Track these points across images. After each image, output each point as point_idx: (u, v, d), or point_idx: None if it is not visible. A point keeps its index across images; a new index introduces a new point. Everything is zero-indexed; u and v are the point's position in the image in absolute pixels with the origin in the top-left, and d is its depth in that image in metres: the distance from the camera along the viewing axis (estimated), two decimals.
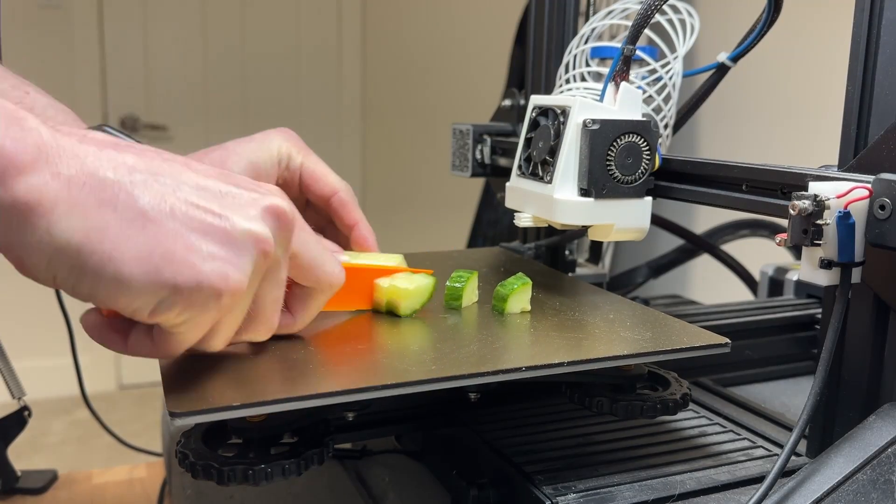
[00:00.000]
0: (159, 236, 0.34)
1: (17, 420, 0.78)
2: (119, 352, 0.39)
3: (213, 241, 0.36)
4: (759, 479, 0.48)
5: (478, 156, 0.77)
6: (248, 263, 0.37)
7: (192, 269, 0.35)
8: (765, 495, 0.40)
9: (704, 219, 1.43)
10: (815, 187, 0.42)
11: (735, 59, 0.58)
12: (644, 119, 0.54)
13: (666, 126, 0.62)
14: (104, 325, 0.39)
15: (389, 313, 0.53)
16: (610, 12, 0.63)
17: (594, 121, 0.53)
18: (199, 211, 0.36)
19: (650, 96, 0.60)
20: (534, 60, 0.76)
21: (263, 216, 0.38)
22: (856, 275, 0.43)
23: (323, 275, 0.44)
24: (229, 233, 0.36)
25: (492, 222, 2.16)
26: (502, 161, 0.75)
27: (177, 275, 0.34)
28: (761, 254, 0.98)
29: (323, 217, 0.61)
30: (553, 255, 0.78)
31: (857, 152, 0.46)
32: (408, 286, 0.52)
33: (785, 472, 0.42)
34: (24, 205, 0.31)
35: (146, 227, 0.34)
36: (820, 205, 0.41)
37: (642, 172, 0.54)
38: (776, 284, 0.89)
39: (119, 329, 0.39)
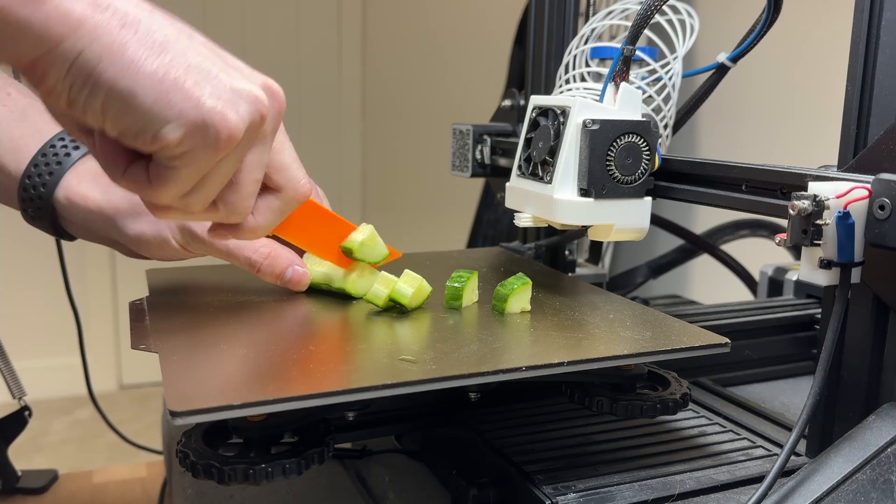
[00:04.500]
0: (173, 65, 0.37)
1: (18, 420, 0.78)
2: (115, 179, 0.41)
3: (219, 86, 0.38)
4: (758, 479, 0.48)
5: (478, 156, 0.77)
6: (247, 115, 0.39)
7: (198, 102, 0.37)
8: (764, 495, 0.40)
9: (704, 219, 1.43)
10: (814, 187, 0.42)
11: (735, 59, 0.59)
12: (644, 119, 0.54)
13: (666, 126, 0.62)
14: (114, 147, 0.40)
15: (389, 308, 0.53)
16: (610, 13, 0.63)
17: (594, 121, 0.53)
18: (207, 61, 0.38)
19: (650, 96, 0.60)
20: (534, 60, 0.76)
21: (261, 86, 0.41)
22: (855, 275, 0.44)
23: (292, 179, 0.47)
24: (232, 86, 0.39)
25: (492, 222, 2.16)
26: (502, 161, 0.75)
27: (183, 102, 0.37)
28: (761, 254, 0.98)
29: None
30: (553, 255, 0.78)
31: (857, 152, 0.46)
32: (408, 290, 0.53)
33: (784, 472, 0.42)
34: (54, 22, 0.34)
35: (162, 55, 0.36)
36: (819, 205, 0.41)
37: (642, 172, 0.54)
38: (776, 284, 0.89)
39: (122, 156, 0.40)
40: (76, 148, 0.56)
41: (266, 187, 0.46)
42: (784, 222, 0.43)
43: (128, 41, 0.35)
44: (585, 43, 0.64)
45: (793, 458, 0.48)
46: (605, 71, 0.61)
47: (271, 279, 0.56)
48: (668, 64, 0.60)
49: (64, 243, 0.71)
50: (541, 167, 0.57)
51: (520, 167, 0.60)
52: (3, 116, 0.56)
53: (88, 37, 0.35)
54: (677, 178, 0.56)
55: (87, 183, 0.56)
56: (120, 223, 0.55)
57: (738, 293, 1.04)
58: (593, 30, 0.64)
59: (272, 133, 0.43)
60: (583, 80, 0.64)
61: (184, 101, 0.37)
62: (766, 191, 0.49)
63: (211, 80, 0.38)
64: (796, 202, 0.41)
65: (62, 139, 0.56)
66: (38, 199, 0.56)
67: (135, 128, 0.37)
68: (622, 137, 0.53)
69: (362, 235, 0.55)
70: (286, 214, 0.48)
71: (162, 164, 0.39)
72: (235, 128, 0.38)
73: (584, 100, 0.54)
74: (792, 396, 0.69)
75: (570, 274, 0.77)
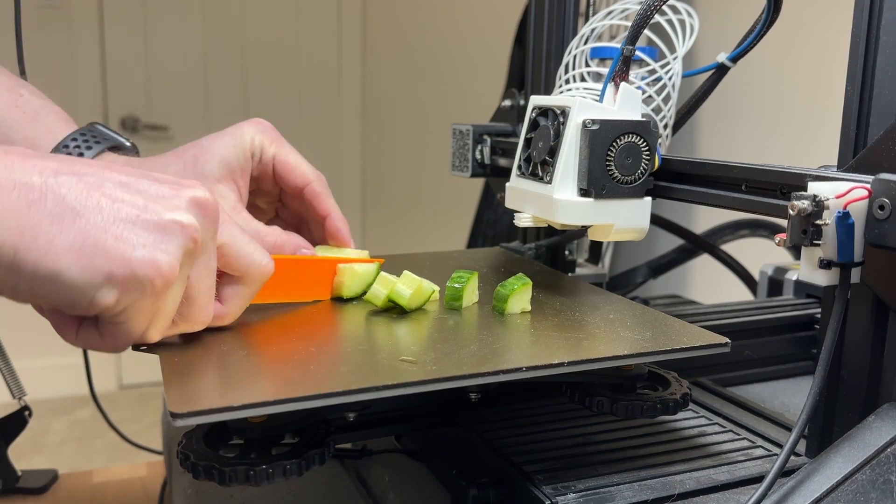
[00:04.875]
0: (89, 228, 0.36)
1: (18, 420, 0.78)
2: (69, 342, 0.41)
3: (142, 230, 0.37)
4: (758, 479, 0.48)
5: (478, 156, 0.77)
6: (178, 250, 0.38)
7: (124, 257, 0.36)
8: (764, 495, 0.40)
9: (704, 219, 1.43)
10: (814, 187, 0.42)
11: (735, 59, 0.59)
12: (644, 119, 0.54)
13: (665, 126, 0.62)
14: (60, 313, 0.40)
15: (390, 309, 0.53)
16: (610, 13, 0.63)
17: (594, 121, 0.53)
18: (125, 205, 0.38)
19: (650, 96, 0.60)
20: (534, 60, 0.76)
21: (188, 207, 0.40)
22: (855, 275, 0.44)
23: (250, 265, 0.46)
24: (156, 223, 0.38)
25: (492, 222, 2.16)
26: (502, 161, 0.75)
27: (109, 263, 0.36)
28: (761, 254, 0.98)
29: (299, 211, 0.61)
30: (553, 255, 0.78)
31: (857, 152, 0.46)
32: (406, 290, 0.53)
33: (784, 472, 0.42)
34: None
35: (75, 222, 0.36)
36: (819, 205, 0.41)
37: (642, 173, 0.54)
38: (776, 284, 0.89)
39: (70, 320, 0.40)
40: (89, 148, 0.56)
41: (228, 275, 0.46)
42: (784, 222, 0.43)
43: (38, 221, 0.35)
44: (585, 43, 0.64)
45: (793, 458, 0.48)
46: (604, 71, 0.61)
47: None
48: (667, 64, 0.60)
49: None
50: (541, 167, 0.57)
51: (520, 167, 0.60)
52: (16, 118, 0.56)
53: None
54: (677, 178, 0.56)
55: None
56: None
57: (738, 293, 1.04)
58: (593, 30, 0.64)
59: (212, 241, 0.42)
60: (583, 80, 0.64)
61: (109, 262, 0.36)
62: (766, 191, 0.49)
63: (133, 227, 0.37)
64: (796, 202, 0.41)
65: (75, 139, 0.56)
66: None
67: (68, 301, 0.36)
68: (622, 137, 0.53)
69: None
70: (254, 295, 0.47)
71: (108, 322, 0.39)
72: (169, 269, 0.38)
73: (583, 100, 0.54)
74: (792, 396, 0.69)
75: (570, 274, 0.77)
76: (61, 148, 0.56)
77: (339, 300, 0.56)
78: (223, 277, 0.46)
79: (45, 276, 0.35)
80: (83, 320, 0.40)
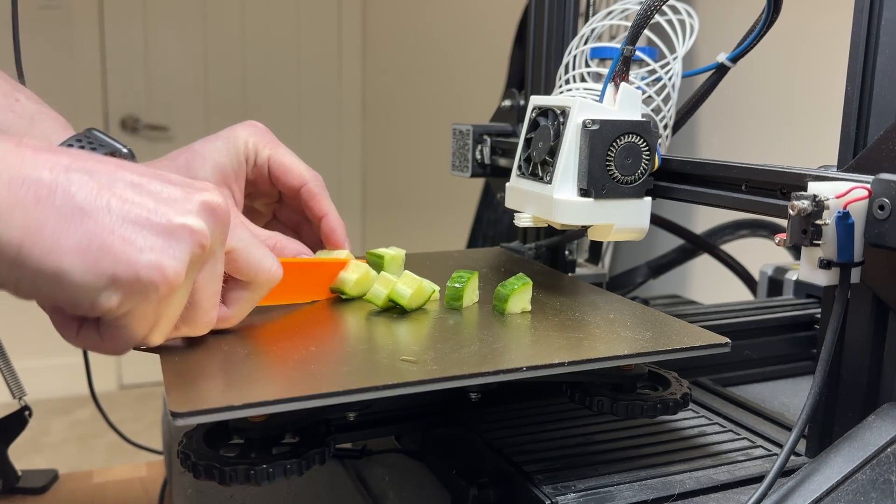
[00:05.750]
0: (96, 229, 0.35)
1: (18, 420, 0.78)
2: (70, 341, 0.40)
3: (150, 233, 0.37)
4: (758, 479, 0.48)
5: (478, 156, 0.77)
6: (185, 255, 0.38)
7: (129, 261, 0.36)
8: (764, 495, 0.40)
9: (704, 219, 1.43)
10: (814, 187, 0.42)
11: (735, 59, 0.59)
12: (643, 119, 0.54)
13: (665, 126, 0.62)
14: (61, 312, 0.39)
15: (390, 309, 0.53)
16: (610, 13, 0.63)
17: (594, 121, 0.53)
18: (135, 206, 0.37)
19: (650, 96, 0.60)
20: (534, 61, 0.76)
21: (199, 211, 0.39)
22: (855, 275, 0.44)
23: (259, 271, 0.46)
24: (165, 226, 0.37)
25: (492, 222, 2.16)
26: (502, 161, 0.75)
27: (114, 266, 0.36)
28: (761, 254, 0.98)
29: (297, 212, 0.61)
30: (553, 255, 0.78)
31: (857, 152, 0.46)
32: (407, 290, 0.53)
33: (784, 472, 0.42)
34: None
35: (83, 221, 0.35)
36: (819, 205, 0.41)
37: (642, 173, 0.54)
38: (776, 284, 0.89)
39: (72, 320, 0.40)
40: None
41: (234, 279, 0.45)
42: (784, 222, 0.43)
43: (45, 218, 0.34)
44: (585, 43, 0.64)
45: (793, 458, 0.48)
46: (604, 71, 0.61)
47: None
48: (667, 64, 0.61)
49: None
50: (541, 167, 0.57)
51: (520, 167, 0.60)
52: (12, 122, 0.56)
53: (4, 222, 0.33)
54: (677, 178, 0.56)
55: None
56: None
57: (738, 293, 1.04)
58: (593, 30, 0.64)
59: (220, 246, 0.42)
60: (583, 80, 0.64)
61: (114, 264, 0.35)
62: (766, 191, 0.49)
63: (141, 230, 0.37)
64: (796, 202, 0.41)
65: (70, 146, 0.56)
66: None
67: (70, 301, 0.36)
68: (622, 137, 0.53)
69: (356, 274, 0.55)
70: (260, 299, 0.47)
71: (109, 324, 0.38)
72: (174, 275, 0.37)
73: (583, 100, 0.54)
74: (792, 396, 0.69)
75: (570, 274, 0.77)
76: None
77: (341, 297, 0.56)
78: (230, 281, 0.45)
79: (49, 274, 0.35)
80: (85, 320, 0.40)
